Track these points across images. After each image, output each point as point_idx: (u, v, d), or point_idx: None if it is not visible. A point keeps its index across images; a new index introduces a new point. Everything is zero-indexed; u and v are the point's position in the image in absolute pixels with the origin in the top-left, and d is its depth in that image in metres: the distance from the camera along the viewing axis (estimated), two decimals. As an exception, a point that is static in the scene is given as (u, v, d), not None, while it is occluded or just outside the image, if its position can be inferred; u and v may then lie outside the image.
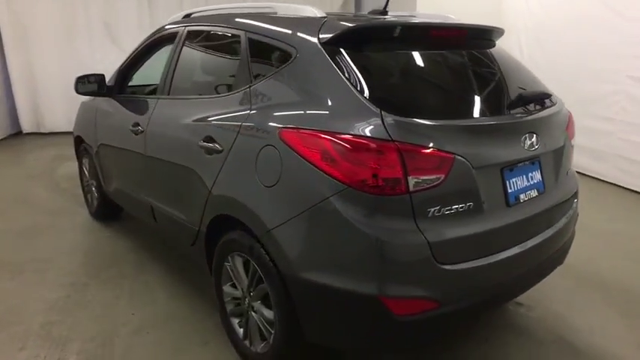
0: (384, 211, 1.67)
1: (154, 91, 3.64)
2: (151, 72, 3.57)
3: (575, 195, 2.37)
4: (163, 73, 2.86)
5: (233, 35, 2.42)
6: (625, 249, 3.62)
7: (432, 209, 1.70)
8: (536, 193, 2.05)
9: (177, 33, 2.86)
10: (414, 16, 2.43)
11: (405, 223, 1.68)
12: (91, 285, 3.06)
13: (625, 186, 4.83)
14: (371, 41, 1.95)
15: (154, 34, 3.19)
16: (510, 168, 1.93)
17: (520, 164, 1.97)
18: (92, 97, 3.88)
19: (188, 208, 2.51)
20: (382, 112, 1.68)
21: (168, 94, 2.78)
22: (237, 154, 2.08)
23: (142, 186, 3.01)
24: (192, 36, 2.76)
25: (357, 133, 1.67)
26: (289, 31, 2.06)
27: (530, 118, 2.02)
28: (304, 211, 1.77)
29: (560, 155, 2.21)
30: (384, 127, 1.66)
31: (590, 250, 3.42)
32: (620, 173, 4.85)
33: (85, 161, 4.13)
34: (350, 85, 1.78)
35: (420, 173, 1.66)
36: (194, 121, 2.41)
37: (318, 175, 1.72)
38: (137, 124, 2.94)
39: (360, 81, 1.79)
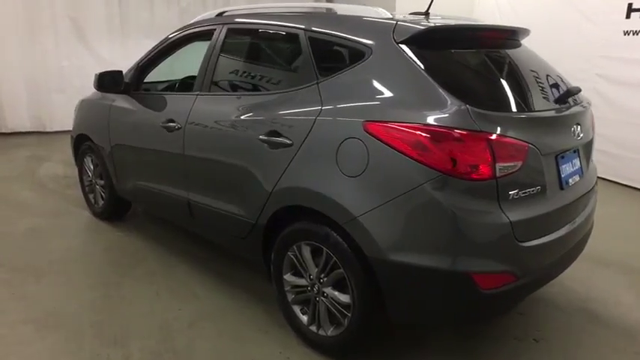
0: (474, 195, 1.85)
1: (170, 87, 3.67)
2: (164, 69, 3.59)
3: (596, 182, 2.67)
4: (201, 70, 2.88)
5: (289, 34, 2.51)
6: (611, 230, 4.02)
7: (512, 192, 1.91)
8: (578, 178, 2.31)
9: (213, 30, 2.89)
10: (451, 19, 2.62)
11: (492, 205, 1.87)
12: (124, 283, 3.03)
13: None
14: (442, 41, 2.13)
15: (179, 31, 3.19)
16: (562, 155, 2.18)
17: (567, 152, 2.22)
18: (99, 95, 3.83)
19: (242, 201, 2.57)
20: (467, 106, 1.86)
21: (209, 91, 2.81)
22: (312, 147, 2.18)
23: (177, 182, 3.01)
24: (235, 34, 2.81)
25: (450, 125, 1.84)
26: (361, 32, 2.19)
27: (576, 110, 2.28)
28: (395, 198, 1.91)
29: (590, 145, 2.50)
30: (472, 119, 1.84)
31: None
32: (590, 163, 5.34)
33: (88, 160, 4.03)
34: (433, 81, 1.94)
35: (505, 160, 1.86)
36: (250, 116, 2.48)
37: (411, 164, 1.87)
38: (171, 121, 2.95)
39: (440, 77, 1.96)
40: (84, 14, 7.27)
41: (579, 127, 2.26)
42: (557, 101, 2.25)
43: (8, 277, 3.08)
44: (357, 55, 2.16)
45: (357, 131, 2.01)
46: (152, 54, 3.35)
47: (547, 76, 2.40)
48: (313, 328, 2.37)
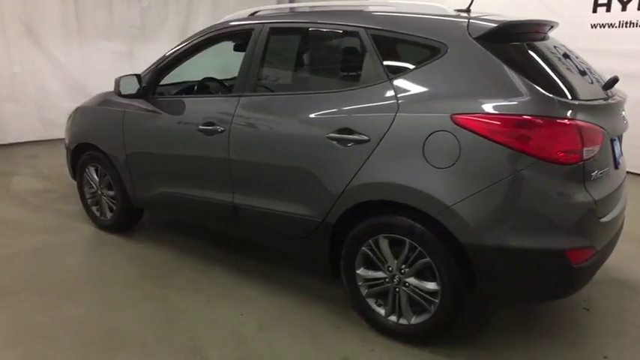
0: (565, 178, 2.00)
1: (186, 90, 3.56)
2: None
3: None
4: (242, 71, 2.83)
5: (346, 32, 2.54)
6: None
7: (593, 173, 2.08)
8: (622, 160, 2.54)
9: (251, 30, 2.85)
10: (495, 14, 2.74)
11: (579, 186, 2.04)
12: (169, 295, 2.92)
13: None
14: (507, 36, 2.26)
15: (206, 31, 3.10)
16: (614, 138, 2.39)
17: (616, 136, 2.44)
18: (101, 101, 3.67)
19: (305, 201, 2.57)
20: (553, 95, 2.01)
21: (255, 91, 2.77)
22: (393, 142, 2.23)
23: (219, 186, 2.94)
24: (280, 33, 2.79)
25: (542, 114, 1.97)
26: (433, 29, 2.27)
27: (621, 98, 2.50)
28: (491, 185, 2.02)
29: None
30: (559, 107, 1.99)
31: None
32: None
33: (91, 171, 3.81)
34: (514, 73, 2.06)
35: (590, 144, 2.03)
36: (313, 115, 2.48)
37: (507, 152, 1.99)
38: (210, 124, 2.87)
39: (517, 69, 2.09)
40: (37, 16, 6.74)
41: (624, 112, 2.49)
42: (605, 88, 2.45)
43: (38, 300, 2.86)
44: (431, 51, 2.24)
45: (446, 124, 2.09)
46: (173, 56, 3.21)
47: (586, 65, 2.61)
48: (393, 318, 2.44)
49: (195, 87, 3.51)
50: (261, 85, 2.79)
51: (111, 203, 3.75)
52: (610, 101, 2.35)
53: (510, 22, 2.24)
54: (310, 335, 2.51)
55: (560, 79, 2.22)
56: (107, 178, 3.69)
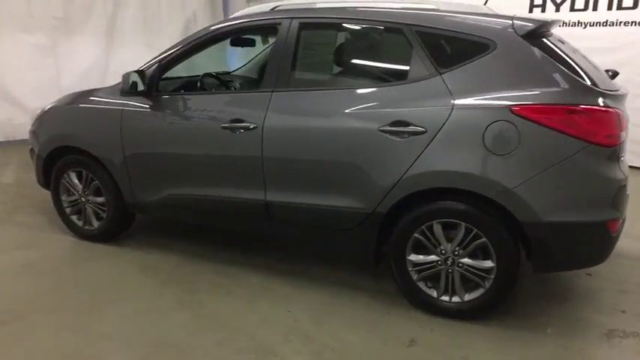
0: (608, 159, 2.31)
1: (185, 86, 3.40)
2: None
3: None
4: (271, 65, 2.79)
5: (388, 29, 2.63)
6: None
7: (621, 155, 2.42)
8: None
9: (276, 24, 2.81)
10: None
11: (616, 165, 2.35)
12: (202, 300, 2.80)
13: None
14: (540, 33, 2.50)
15: (220, 25, 2.98)
16: None
17: None
18: (80, 100, 3.40)
19: (354, 194, 2.62)
20: (595, 86, 2.29)
21: (289, 87, 2.75)
22: (452, 132, 2.37)
23: (248, 185, 2.86)
24: (311, 28, 2.78)
25: (590, 103, 2.25)
26: (480, 28, 2.44)
27: (626, 90, 2.87)
28: (549, 168, 2.26)
29: None
30: (602, 96, 2.28)
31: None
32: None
33: (72, 176, 3.48)
34: (561, 67, 2.32)
35: (623, 129, 2.35)
36: (363, 109, 2.54)
37: (563, 138, 2.24)
38: (239, 121, 2.80)
39: (563, 63, 2.35)
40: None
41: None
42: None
43: (57, 320, 2.59)
44: (480, 48, 2.42)
45: (505, 115, 2.29)
46: (182, 50, 3.04)
47: (589, 59, 2.95)
48: (445, 298, 2.60)
49: (198, 83, 3.36)
50: (295, 81, 2.77)
51: (100, 210, 3.46)
52: (620, 92, 2.72)
53: (546, 21, 2.49)
54: (367, 324, 2.58)
55: (584, 71, 2.52)
56: (95, 184, 3.39)
